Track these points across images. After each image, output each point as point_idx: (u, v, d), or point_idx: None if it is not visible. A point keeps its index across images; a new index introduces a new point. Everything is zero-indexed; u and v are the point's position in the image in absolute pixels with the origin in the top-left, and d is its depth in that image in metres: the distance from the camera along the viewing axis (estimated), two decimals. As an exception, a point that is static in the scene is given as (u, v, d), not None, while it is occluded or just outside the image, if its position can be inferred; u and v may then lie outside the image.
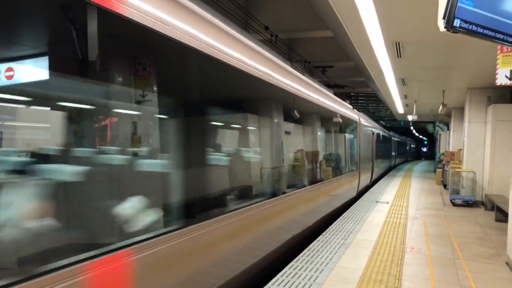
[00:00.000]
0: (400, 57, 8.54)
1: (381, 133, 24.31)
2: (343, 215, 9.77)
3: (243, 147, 5.82)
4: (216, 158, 4.72)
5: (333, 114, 10.52)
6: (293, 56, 14.73)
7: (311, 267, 5.66)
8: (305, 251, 6.48)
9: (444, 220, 9.66)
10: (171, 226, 3.45)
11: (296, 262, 5.90)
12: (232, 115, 5.44)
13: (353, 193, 13.12)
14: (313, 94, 8.55)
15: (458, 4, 3.43)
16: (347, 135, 12.66)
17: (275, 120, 6.41)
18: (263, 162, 6.17)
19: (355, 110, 15.19)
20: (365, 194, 13.98)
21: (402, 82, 11.92)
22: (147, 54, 3.26)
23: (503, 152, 10.97)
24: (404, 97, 15.61)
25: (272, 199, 5.91)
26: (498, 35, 3.83)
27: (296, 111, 7.20)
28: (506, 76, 5.33)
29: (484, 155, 12.06)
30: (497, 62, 5.42)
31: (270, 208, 5.79)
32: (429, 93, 14.34)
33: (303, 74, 8.73)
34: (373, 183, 18.67)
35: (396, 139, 38.24)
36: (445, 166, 16.89)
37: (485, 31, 3.73)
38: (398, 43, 7.59)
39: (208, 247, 4.02)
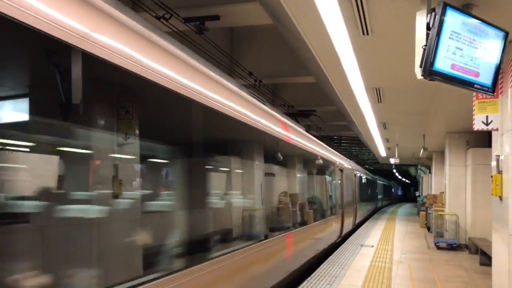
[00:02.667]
0: (381, 102, 8.77)
1: (364, 175, 24.33)
2: (328, 259, 9.64)
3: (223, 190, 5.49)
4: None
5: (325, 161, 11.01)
6: (277, 100, 14.99)
7: (297, 315, 5.50)
8: (290, 298, 6.29)
9: (429, 264, 9.60)
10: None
11: (281, 309, 5.71)
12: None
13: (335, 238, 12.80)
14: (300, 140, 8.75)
15: (435, 53, 3.59)
16: (329, 177, 12.66)
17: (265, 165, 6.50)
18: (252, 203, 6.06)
19: (337, 154, 15.36)
20: (350, 237, 13.87)
21: (383, 126, 12.18)
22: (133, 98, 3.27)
23: (484, 196, 11.10)
24: (386, 140, 15.88)
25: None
26: (473, 84, 3.99)
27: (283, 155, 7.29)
28: (483, 122, 5.50)
29: (466, 198, 12.19)
30: (474, 108, 5.61)
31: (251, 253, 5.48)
32: (410, 137, 14.63)
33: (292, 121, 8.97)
34: (356, 226, 18.27)
35: (380, 181, 38.45)
36: (428, 209, 16.98)
37: (461, 80, 3.88)
38: (378, 89, 7.82)
39: None
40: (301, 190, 9.17)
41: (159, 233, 3.75)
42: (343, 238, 13.90)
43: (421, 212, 19.54)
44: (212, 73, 4.81)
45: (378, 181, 35.13)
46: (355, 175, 18.73)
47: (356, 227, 17.82)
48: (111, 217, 3.11)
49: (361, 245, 12.03)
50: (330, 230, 11.68)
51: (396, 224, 20.04)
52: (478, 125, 5.56)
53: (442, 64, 3.65)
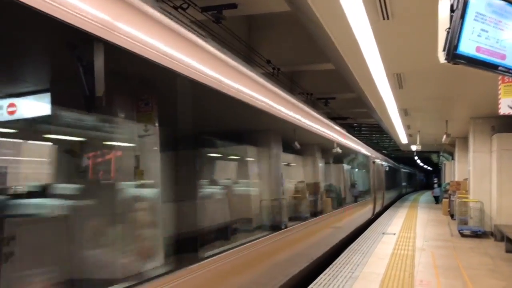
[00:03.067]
0: (402, 88, 8.61)
1: (389, 165, 27.00)
2: (350, 247, 9.61)
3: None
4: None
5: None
6: (295, 88, 14.89)
7: (319, 303, 5.52)
8: (311, 285, 6.33)
9: (453, 251, 9.47)
10: None
11: (303, 297, 5.76)
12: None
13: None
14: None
15: (459, 36, 3.48)
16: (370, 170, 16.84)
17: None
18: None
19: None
20: (372, 225, 13.80)
21: (404, 112, 11.97)
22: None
23: (510, 182, 10.87)
24: (407, 127, 15.63)
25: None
26: (499, 67, 3.87)
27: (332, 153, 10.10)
28: (509, 106, 5.34)
29: (491, 185, 11.93)
30: (499, 92, 5.45)
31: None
32: (432, 123, 14.36)
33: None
34: (384, 208, 20.97)
35: (403, 170, 38.66)
36: (451, 196, 16.72)
37: (486, 63, 3.77)
38: (399, 74, 7.68)
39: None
40: (356, 179, 13.86)
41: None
42: (376, 216, 17.08)
43: (444, 199, 19.25)
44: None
45: (402, 170, 36.24)
46: (382, 165, 21.82)
47: (384, 209, 20.72)
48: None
49: (383, 233, 11.94)
50: (368, 208, 15.29)
51: (418, 211, 19.80)
52: (504, 110, 5.41)
53: (466, 47, 3.54)
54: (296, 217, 6.71)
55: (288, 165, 6.99)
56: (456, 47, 3.46)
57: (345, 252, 9.05)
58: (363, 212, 14.11)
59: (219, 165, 4.86)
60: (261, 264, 4.91)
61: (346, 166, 12.23)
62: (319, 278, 6.77)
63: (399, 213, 18.42)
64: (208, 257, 3.68)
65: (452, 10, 3.48)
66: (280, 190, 6.02)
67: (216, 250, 3.89)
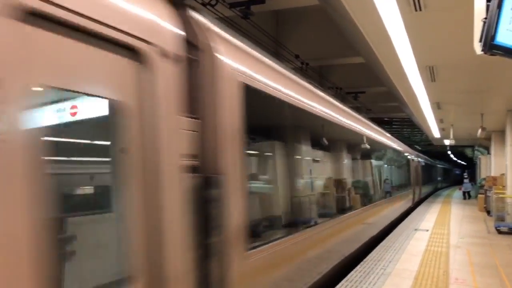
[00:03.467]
0: (434, 81, 8.39)
1: (425, 162, 29.19)
2: (381, 244, 9.47)
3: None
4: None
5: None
6: (324, 83, 14.75)
7: (350, 299, 5.47)
8: (343, 281, 6.28)
9: (489, 248, 9.18)
10: None
11: (334, 293, 5.73)
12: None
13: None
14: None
15: (496, 26, 3.37)
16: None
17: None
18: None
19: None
20: (404, 221, 13.56)
21: (437, 106, 11.67)
22: None
23: (550, 176, 10.44)
24: (440, 121, 15.24)
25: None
26: (539, 56, 3.71)
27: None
28: (550, 98, 5.12)
29: (530, 180, 11.50)
30: (539, 83, 5.23)
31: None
32: (466, 116, 13.95)
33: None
34: (421, 200, 23.42)
35: (438, 165, 38.60)
36: (488, 191, 16.21)
37: (525, 53, 3.62)
38: (432, 67, 7.48)
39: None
40: (405, 175, 17.98)
41: None
42: (415, 204, 19.89)
43: (479, 195, 18.69)
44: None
45: (437, 165, 36.84)
46: (419, 162, 23.99)
47: (420, 200, 22.87)
48: None
49: (415, 229, 11.70)
50: (410, 197, 18.39)
51: (452, 207, 19.31)
52: (544, 102, 5.18)
53: (504, 37, 3.41)
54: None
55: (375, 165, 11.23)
56: (493, 37, 3.35)
57: (376, 248, 8.93)
58: (409, 198, 18.16)
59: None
60: (347, 231, 7.17)
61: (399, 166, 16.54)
62: (350, 274, 6.71)
63: (432, 209, 18.02)
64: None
65: (488, 0, 3.36)
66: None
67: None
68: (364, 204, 8.70)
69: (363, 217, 8.47)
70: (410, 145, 32.07)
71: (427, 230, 11.55)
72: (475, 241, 10.07)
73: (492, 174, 17.21)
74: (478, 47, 3.48)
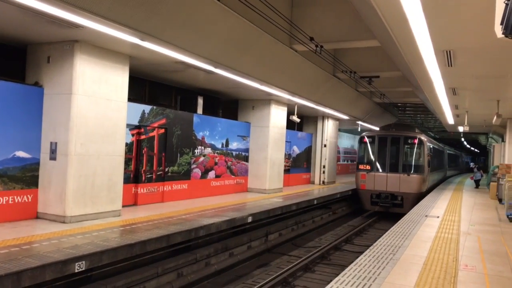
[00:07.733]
0: (451, 66, 8.23)
1: (436, 146, 28.18)
2: (391, 229, 9.46)
3: None
4: None
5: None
6: (338, 66, 14.59)
7: (358, 282, 5.49)
8: (351, 265, 6.31)
9: (501, 236, 9.13)
10: None
11: (342, 276, 5.75)
12: None
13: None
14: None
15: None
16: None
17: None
18: None
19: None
20: (414, 208, 13.52)
21: (452, 91, 11.48)
22: None
23: None
24: (455, 107, 15.02)
25: None
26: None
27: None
28: None
29: (544, 168, 11.34)
30: (560, 69, 5.10)
31: None
32: (482, 103, 13.72)
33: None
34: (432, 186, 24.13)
35: (448, 151, 38.12)
36: (500, 179, 16.03)
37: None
38: (449, 51, 7.33)
39: None
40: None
41: None
42: (428, 189, 20.56)
43: (491, 183, 18.52)
44: None
45: (446, 151, 36.54)
46: (430, 148, 23.77)
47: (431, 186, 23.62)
48: None
49: (426, 216, 11.66)
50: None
51: (463, 194, 19.18)
52: None
53: (526, 20, 3.31)
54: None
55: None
56: (515, 20, 3.25)
57: (385, 234, 8.93)
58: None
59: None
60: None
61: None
62: (359, 258, 6.73)
63: (443, 196, 17.92)
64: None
65: (512, -19, 3.25)
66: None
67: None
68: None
69: None
70: (423, 131, 31.82)
71: (438, 217, 11.50)
72: (486, 229, 10.01)
73: (506, 162, 17.00)
74: (499, 30, 3.39)
